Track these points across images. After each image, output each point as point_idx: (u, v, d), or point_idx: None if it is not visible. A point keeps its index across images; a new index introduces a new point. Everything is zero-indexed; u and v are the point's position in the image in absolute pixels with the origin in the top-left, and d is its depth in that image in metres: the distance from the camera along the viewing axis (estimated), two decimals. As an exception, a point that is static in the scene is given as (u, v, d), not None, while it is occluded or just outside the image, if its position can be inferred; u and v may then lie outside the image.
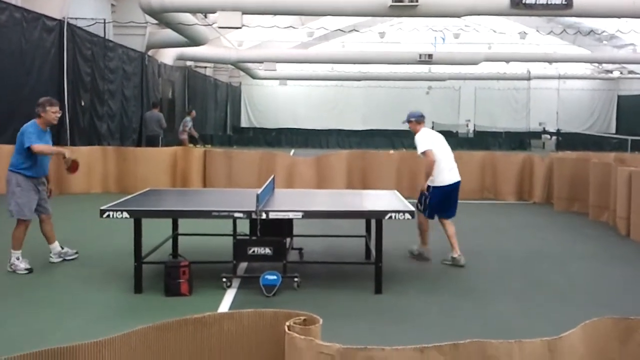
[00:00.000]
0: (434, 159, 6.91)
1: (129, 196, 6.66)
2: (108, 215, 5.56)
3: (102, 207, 5.62)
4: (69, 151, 6.59)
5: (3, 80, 12.25)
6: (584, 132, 35.86)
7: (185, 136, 19.91)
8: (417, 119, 7.18)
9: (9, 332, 4.74)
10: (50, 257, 6.81)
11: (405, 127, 7.60)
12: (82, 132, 15.40)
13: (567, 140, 32.10)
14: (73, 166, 6.63)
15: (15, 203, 6.38)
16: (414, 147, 7.20)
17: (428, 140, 7.05)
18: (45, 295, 5.74)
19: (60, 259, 6.83)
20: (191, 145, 18.70)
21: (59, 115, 6.67)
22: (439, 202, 7.02)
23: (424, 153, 6.98)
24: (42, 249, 6.91)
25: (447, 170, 7.05)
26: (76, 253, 6.92)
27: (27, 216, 6.43)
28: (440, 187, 7.02)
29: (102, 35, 16.77)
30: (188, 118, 20.03)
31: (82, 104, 15.56)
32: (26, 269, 6.30)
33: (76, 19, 15.21)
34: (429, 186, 7.02)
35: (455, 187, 7.12)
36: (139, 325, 2.05)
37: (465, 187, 11.98)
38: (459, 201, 7.25)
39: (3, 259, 6.48)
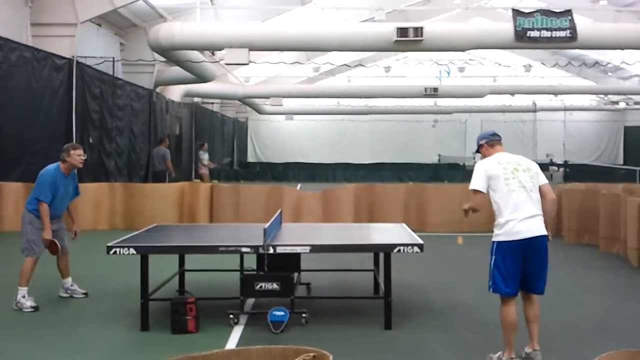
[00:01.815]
0: (478, 208, 4.92)
1: (136, 232, 6.65)
2: (115, 252, 5.54)
3: (108, 244, 5.60)
4: (48, 233, 6.46)
5: (13, 118, 12.39)
6: (592, 163, 35.77)
7: (204, 170, 20.27)
8: (488, 140, 5.11)
9: (14, 371, 4.68)
10: (61, 291, 6.90)
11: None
12: (90, 169, 15.47)
13: (575, 172, 32.00)
14: (51, 248, 6.57)
15: (26, 240, 6.49)
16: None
17: (482, 175, 4.88)
18: (50, 332, 5.69)
19: (68, 295, 6.87)
20: (197, 180, 18.82)
21: (83, 158, 6.73)
22: (505, 266, 4.72)
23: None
24: (51, 284, 6.88)
25: (511, 216, 4.73)
26: (85, 294, 6.91)
27: (35, 253, 6.49)
28: (504, 242, 4.75)
29: (111, 73, 16.98)
30: (201, 152, 20.38)
31: (90, 141, 15.68)
32: (32, 307, 6.28)
33: (85, 57, 15.42)
34: (492, 242, 4.84)
35: (527, 244, 4.71)
36: (144, 363, 2.01)
37: (474, 219, 11.99)
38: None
39: (11, 296, 6.44)
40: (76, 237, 6.91)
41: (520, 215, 4.71)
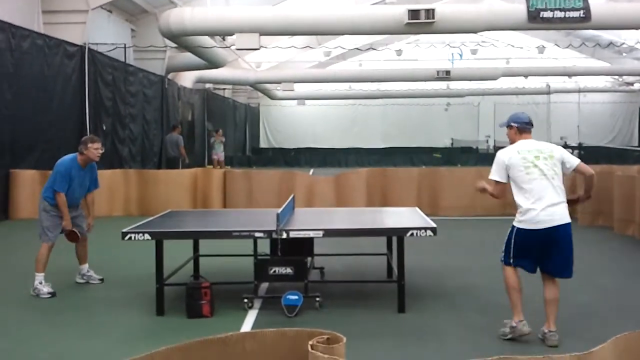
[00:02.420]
0: (497, 197, 5.11)
1: (150, 218, 6.69)
2: (130, 238, 5.58)
3: (123, 230, 5.65)
4: (67, 223, 6.53)
5: (26, 106, 12.46)
6: (606, 145, 35.45)
7: (215, 157, 20.44)
8: (520, 126, 5.04)
9: (33, 356, 4.75)
10: (77, 277, 6.97)
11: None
12: (104, 156, 15.39)
13: (590, 154, 31.68)
14: (70, 237, 6.66)
15: (41, 226, 6.57)
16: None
17: (501, 166, 4.94)
18: (67, 318, 5.76)
19: (84, 281, 6.95)
20: (210, 166, 18.91)
21: (101, 151, 6.77)
22: (517, 249, 4.90)
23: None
24: (67, 271, 6.96)
25: (531, 204, 4.79)
26: (101, 280, 6.98)
27: (50, 239, 6.55)
28: (523, 230, 4.85)
29: (122, 60, 17.01)
30: (212, 139, 20.57)
31: (104, 128, 15.76)
32: (49, 293, 6.36)
33: (97, 44, 15.45)
34: (512, 226, 4.96)
35: (545, 234, 4.79)
36: (161, 347, 2.03)
37: (487, 203, 11.95)
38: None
39: (28, 282, 6.53)
40: (89, 230, 6.97)
41: (542, 205, 4.75)
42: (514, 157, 4.88)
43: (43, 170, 11.65)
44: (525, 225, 4.81)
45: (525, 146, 4.93)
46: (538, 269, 4.99)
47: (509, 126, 5.08)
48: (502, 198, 5.11)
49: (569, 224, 4.85)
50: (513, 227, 4.91)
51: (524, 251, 4.87)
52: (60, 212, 6.53)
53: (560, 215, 4.79)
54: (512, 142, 5.09)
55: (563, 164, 4.90)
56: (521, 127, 5.04)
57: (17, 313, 5.88)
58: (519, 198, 4.85)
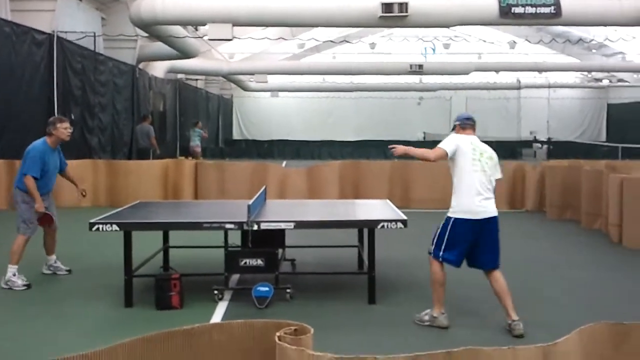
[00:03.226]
0: (432, 159, 5.17)
1: (119, 209, 6.61)
2: (97, 229, 5.50)
3: (91, 220, 5.56)
4: (40, 205, 6.41)
5: (-8, 94, 12.19)
6: (575, 140, 36.03)
7: (197, 148, 20.49)
8: (461, 123, 5.32)
9: (-3, 348, 4.66)
10: (44, 268, 6.87)
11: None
12: (72, 146, 15.27)
13: (558, 149, 32.21)
14: (44, 220, 6.57)
15: (21, 218, 6.44)
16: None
17: (453, 143, 5.13)
18: (34, 309, 5.66)
19: (51, 272, 6.84)
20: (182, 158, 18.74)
21: (70, 131, 6.66)
22: (453, 240, 5.07)
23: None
24: (33, 262, 6.84)
25: (470, 195, 5.04)
26: (68, 271, 6.88)
27: (30, 231, 6.46)
28: (460, 219, 5.06)
29: (92, 48, 16.72)
30: (196, 129, 20.64)
31: (73, 117, 15.48)
32: (24, 285, 6.26)
33: (66, 32, 15.16)
34: (448, 217, 5.14)
35: (480, 224, 5.05)
36: (128, 339, 2.01)
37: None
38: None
39: (-8, 274, 6.40)
40: (85, 195, 7.00)
41: (480, 197, 5.07)
42: (467, 145, 5.14)
43: (10, 160, 11.41)
44: (462, 215, 5.06)
45: (475, 141, 5.23)
46: (463, 265, 5.23)
47: (454, 127, 5.40)
48: (432, 163, 5.43)
49: (497, 216, 5.18)
50: (449, 218, 5.12)
51: (457, 243, 5.08)
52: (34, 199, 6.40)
53: (492, 207, 5.13)
54: None
55: (494, 169, 5.20)
56: (463, 124, 5.33)
57: (-19, 305, 5.77)
58: (459, 188, 5.11)
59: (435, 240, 5.18)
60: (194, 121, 22.74)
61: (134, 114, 19.69)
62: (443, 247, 5.11)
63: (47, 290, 6.36)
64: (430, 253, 5.22)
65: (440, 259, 5.14)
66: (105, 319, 5.41)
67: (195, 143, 21.17)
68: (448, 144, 5.13)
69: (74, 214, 9.33)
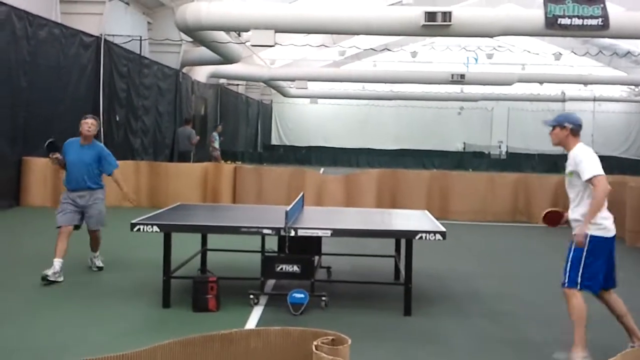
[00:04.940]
0: (608, 187, 4.50)
1: (160, 210, 6.70)
2: (138, 229, 5.59)
3: (132, 221, 5.66)
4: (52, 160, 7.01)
5: (41, 94, 12.52)
6: (620, 155, 35.19)
7: (216, 153, 20.12)
8: (575, 127, 4.61)
9: (36, 344, 4.76)
10: (89, 261, 7.18)
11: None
12: (116, 147, 15.62)
13: (603, 164, 31.18)
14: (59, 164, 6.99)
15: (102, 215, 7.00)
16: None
17: (597, 162, 4.52)
18: (73, 307, 5.77)
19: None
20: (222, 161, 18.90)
21: (87, 127, 6.95)
22: (598, 263, 4.52)
23: (591, 181, 4.47)
24: (78, 258, 6.99)
25: (609, 214, 4.62)
26: (99, 268, 7.13)
27: (57, 223, 6.76)
28: (605, 238, 4.54)
29: (138, 52, 17.07)
30: (214, 133, 20.34)
31: (117, 119, 15.81)
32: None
33: (113, 35, 15.51)
34: (590, 236, 4.49)
35: (612, 242, 4.65)
36: (165, 340, 2.03)
37: (498, 209, 11.88)
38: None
39: (37, 268, 6.55)
40: (132, 202, 7.39)
41: (609, 213, 4.62)
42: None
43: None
44: (604, 233, 4.51)
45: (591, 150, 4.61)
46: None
47: (562, 127, 4.62)
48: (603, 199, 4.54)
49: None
50: (592, 238, 4.46)
51: (600, 265, 4.51)
52: (73, 197, 6.86)
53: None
54: (559, 144, 4.71)
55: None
56: (576, 129, 4.61)
57: (25, 299, 5.91)
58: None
59: (569, 266, 4.54)
60: (215, 125, 22.45)
61: (176, 117, 20.00)
62: (582, 273, 4.49)
63: (88, 287, 6.48)
64: (564, 284, 4.60)
65: (581, 286, 4.50)
66: (142, 319, 5.48)
67: (216, 147, 20.80)
68: (598, 164, 4.49)
69: (116, 213, 9.51)
